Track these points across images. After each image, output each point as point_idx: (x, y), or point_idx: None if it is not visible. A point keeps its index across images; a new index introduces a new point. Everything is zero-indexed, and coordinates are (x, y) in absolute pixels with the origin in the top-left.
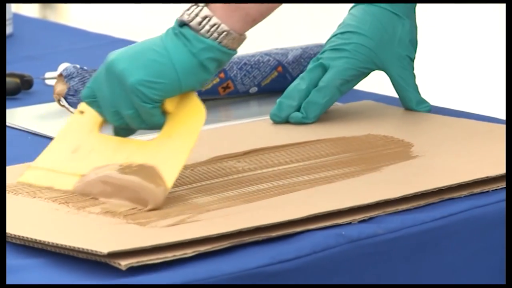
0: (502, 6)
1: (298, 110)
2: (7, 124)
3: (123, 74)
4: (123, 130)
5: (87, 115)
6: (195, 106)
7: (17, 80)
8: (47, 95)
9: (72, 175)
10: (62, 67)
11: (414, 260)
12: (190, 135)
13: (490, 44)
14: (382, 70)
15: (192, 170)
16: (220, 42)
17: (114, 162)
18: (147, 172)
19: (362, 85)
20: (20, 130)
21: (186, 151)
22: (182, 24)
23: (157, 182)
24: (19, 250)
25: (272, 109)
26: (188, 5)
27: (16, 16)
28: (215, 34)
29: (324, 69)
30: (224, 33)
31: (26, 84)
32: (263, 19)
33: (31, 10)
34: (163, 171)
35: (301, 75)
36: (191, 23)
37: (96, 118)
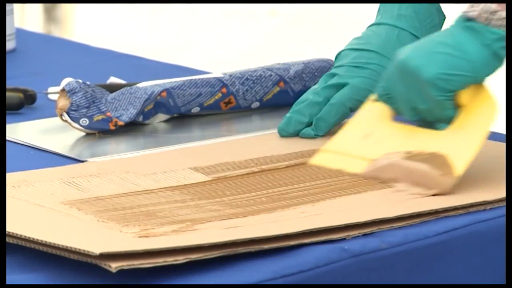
0: None
1: (307, 126)
2: (10, 138)
3: (419, 70)
4: (426, 123)
5: (379, 104)
6: (487, 99)
7: (21, 95)
8: (50, 110)
9: (363, 159)
10: (65, 82)
11: (417, 275)
12: (482, 126)
13: None
14: None
15: (197, 185)
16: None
17: (405, 149)
18: (437, 160)
19: None
20: (23, 145)
21: (478, 142)
22: (467, 19)
23: (446, 170)
24: (19, 266)
25: (280, 124)
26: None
27: (20, 31)
28: (503, 26)
29: (341, 86)
30: None
31: (29, 99)
32: None
33: (36, 26)
34: (454, 159)
35: (315, 90)
36: (478, 19)
37: (387, 108)
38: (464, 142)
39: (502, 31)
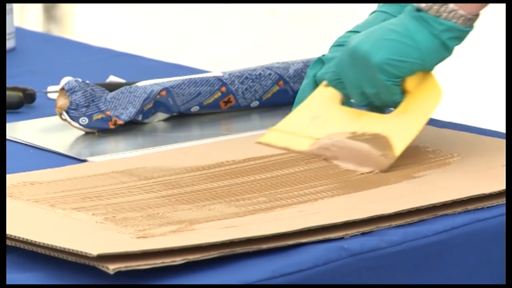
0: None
1: None
2: (9, 137)
3: (368, 55)
4: (375, 108)
5: (330, 89)
6: (433, 86)
7: (20, 94)
8: (49, 109)
9: (308, 138)
10: (65, 81)
11: (417, 274)
12: (424, 111)
13: (490, 54)
14: None
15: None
16: (457, 24)
17: (349, 130)
18: (378, 140)
19: None
20: (22, 143)
21: (419, 125)
22: (419, 10)
23: (386, 151)
24: (19, 265)
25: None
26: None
27: (19, 30)
28: (453, 19)
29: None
30: (462, 17)
31: (28, 98)
32: None
33: (35, 25)
34: (393, 141)
35: (305, 74)
36: (429, 10)
37: (337, 92)
38: (405, 125)
39: (451, 23)
